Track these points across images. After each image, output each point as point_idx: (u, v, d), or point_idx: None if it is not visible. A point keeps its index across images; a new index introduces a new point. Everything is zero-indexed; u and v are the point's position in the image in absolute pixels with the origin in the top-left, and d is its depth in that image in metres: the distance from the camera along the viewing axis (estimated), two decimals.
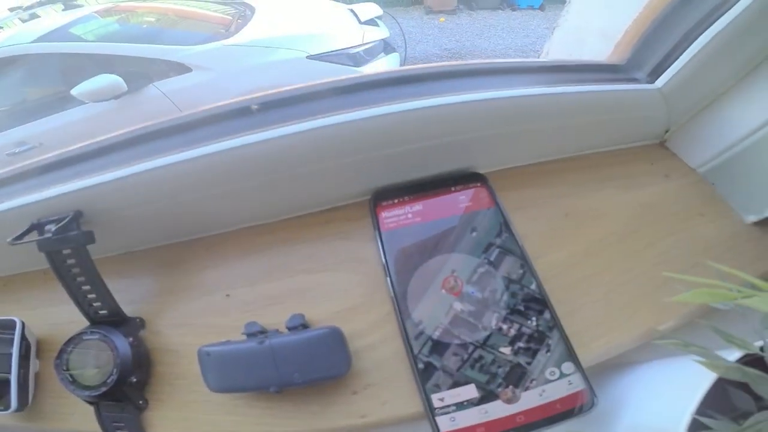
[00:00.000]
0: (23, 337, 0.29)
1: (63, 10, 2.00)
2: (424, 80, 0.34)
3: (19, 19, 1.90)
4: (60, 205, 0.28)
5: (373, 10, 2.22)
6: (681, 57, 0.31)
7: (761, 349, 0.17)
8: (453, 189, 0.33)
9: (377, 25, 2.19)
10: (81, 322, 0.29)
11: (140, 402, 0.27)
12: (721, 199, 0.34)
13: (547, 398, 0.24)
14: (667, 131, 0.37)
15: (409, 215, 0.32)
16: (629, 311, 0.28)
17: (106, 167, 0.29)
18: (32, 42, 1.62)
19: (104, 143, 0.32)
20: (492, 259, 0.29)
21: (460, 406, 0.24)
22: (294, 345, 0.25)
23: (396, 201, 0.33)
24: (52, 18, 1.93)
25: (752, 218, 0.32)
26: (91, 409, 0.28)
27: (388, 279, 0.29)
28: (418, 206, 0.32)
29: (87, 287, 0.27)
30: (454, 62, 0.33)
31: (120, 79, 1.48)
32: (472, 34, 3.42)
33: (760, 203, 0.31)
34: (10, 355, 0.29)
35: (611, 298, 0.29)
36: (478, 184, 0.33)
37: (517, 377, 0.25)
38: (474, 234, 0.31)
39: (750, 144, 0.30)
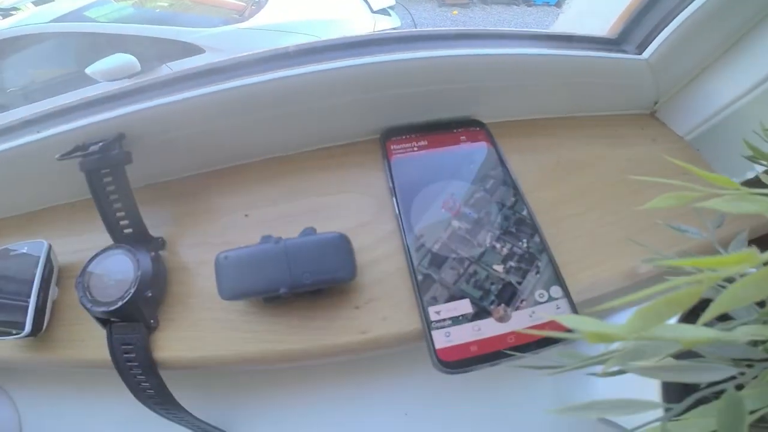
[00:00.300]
0: (48, 260, 0.30)
1: None
2: (436, 38, 0.37)
3: (32, 2, 1.93)
4: (103, 130, 0.30)
5: (385, 0, 2.22)
6: (665, 30, 0.34)
7: None
8: (455, 131, 0.36)
9: (389, 14, 2.20)
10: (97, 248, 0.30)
11: (151, 321, 0.28)
12: (705, 163, 0.36)
13: (537, 320, 0.25)
14: (656, 102, 0.40)
15: (415, 148, 0.35)
16: (614, 249, 0.30)
17: (147, 99, 0.31)
18: (48, 22, 1.65)
19: (146, 83, 0.34)
20: (487, 187, 0.32)
21: (455, 320, 0.25)
22: (305, 245, 0.26)
23: (404, 137, 0.36)
24: (66, 1, 1.97)
25: (734, 180, 0.32)
26: (102, 337, 0.28)
27: (394, 199, 0.31)
28: (423, 141, 0.35)
29: (118, 205, 0.29)
30: (464, 28, 0.36)
31: (134, 59, 1.50)
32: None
33: (741, 166, 0.32)
34: (33, 275, 0.29)
35: (597, 234, 0.31)
36: (478, 129, 0.36)
37: (509, 295, 0.26)
38: (472, 166, 0.33)
39: (732, 112, 0.33)
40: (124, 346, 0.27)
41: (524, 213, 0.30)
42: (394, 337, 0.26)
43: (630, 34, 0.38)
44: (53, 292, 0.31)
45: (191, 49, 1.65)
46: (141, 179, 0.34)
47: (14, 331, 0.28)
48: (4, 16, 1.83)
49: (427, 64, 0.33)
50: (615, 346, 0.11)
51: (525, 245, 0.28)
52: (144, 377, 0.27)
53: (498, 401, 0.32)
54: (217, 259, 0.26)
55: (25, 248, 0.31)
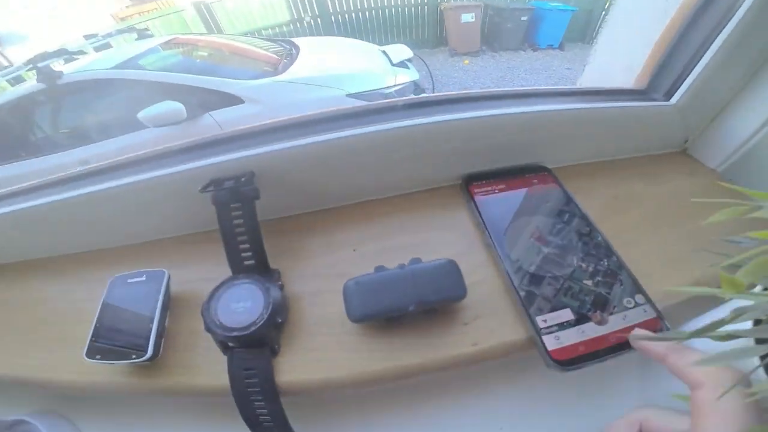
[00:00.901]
0: (167, 289, 0.32)
1: (136, 39, 2.25)
2: (500, 98, 0.42)
3: (93, 48, 2.12)
4: (236, 167, 0.34)
5: (404, 53, 2.38)
6: (689, 77, 0.39)
7: None
8: (526, 175, 0.41)
9: (407, 67, 2.34)
10: (212, 279, 0.32)
11: (276, 346, 0.29)
12: (737, 192, 0.37)
13: (630, 322, 0.29)
14: (686, 141, 0.45)
15: (495, 190, 0.40)
16: (678, 265, 0.33)
17: (272, 142, 0.35)
18: (110, 69, 1.80)
19: (269, 126, 0.38)
20: (564, 219, 0.37)
21: (561, 326, 0.28)
22: (425, 269, 0.30)
23: (483, 181, 0.40)
24: (123, 48, 2.15)
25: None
26: (217, 363, 0.29)
27: (486, 232, 0.35)
28: (501, 185, 0.40)
29: (243, 238, 0.31)
30: (515, 88, 0.42)
31: (182, 106, 1.63)
32: (496, 76, 3.59)
33: None
34: (155, 301, 0.31)
35: (660, 253, 0.34)
36: (545, 173, 0.41)
37: (602, 303, 0.30)
38: (547, 203, 0.38)
39: (758, 141, 0.37)
40: (246, 371, 0.28)
41: (599, 239, 0.34)
42: (504, 346, 0.29)
43: (657, 84, 0.43)
44: (167, 320, 0.33)
45: (231, 99, 1.77)
46: (265, 214, 0.38)
47: (134, 355, 0.29)
48: (67, 61, 1.99)
49: (498, 120, 0.38)
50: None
51: (606, 264, 0.32)
52: (263, 403, 0.28)
53: (588, 406, 0.35)
54: (347, 284, 0.29)
55: (144, 277, 0.33)
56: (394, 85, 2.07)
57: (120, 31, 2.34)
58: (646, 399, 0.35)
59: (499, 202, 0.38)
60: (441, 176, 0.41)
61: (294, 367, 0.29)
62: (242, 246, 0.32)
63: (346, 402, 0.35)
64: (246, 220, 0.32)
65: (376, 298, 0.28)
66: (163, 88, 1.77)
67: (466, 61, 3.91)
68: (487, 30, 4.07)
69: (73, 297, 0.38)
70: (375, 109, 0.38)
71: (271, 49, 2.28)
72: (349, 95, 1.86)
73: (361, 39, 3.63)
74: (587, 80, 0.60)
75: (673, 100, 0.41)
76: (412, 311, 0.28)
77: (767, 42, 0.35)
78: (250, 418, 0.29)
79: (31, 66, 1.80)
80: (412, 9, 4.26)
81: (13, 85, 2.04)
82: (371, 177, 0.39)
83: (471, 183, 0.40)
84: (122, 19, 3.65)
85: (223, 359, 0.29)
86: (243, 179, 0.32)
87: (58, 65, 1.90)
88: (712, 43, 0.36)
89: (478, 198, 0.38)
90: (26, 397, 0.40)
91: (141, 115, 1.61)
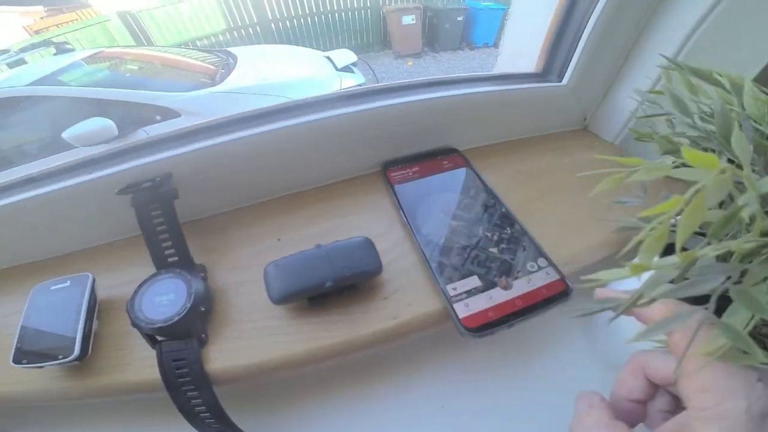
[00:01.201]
0: (92, 291, 0.33)
1: (55, 53, 2.07)
2: (413, 87, 0.45)
3: (6, 65, 1.94)
4: (153, 171, 0.35)
5: (348, 57, 2.41)
6: (573, 58, 0.43)
7: None
8: (438, 158, 0.45)
9: (352, 71, 2.36)
10: (140, 281, 0.33)
11: (203, 335, 0.31)
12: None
13: (534, 285, 0.31)
14: (585, 118, 0.50)
15: (410, 173, 0.43)
16: (579, 229, 0.37)
17: (186, 144, 0.36)
18: (25, 86, 1.66)
19: (185, 130, 0.39)
20: (471, 195, 0.40)
21: (470, 293, 0.31)
22: (341, 247, 0.32)
23: (400, 166, 0.44)
24: (40, 64, 1.98)
25: None
26: (148, 358, 0.30)
27: (401, 212, 0.38)
28: (415, 168, 0.44)
29: (165, 236, 0.32)
30: (428, 77, 0.45)
31: (112, 123, 1.53)
32: (438, 76, 3.74)
33: (657, 156, 0.42)
34: (80, 305, 0.31)
35: (563, 220, 0.38)
36: (455, 155, 0.45)
37: (507, 269, 0.32)
38: (457, 182, 0.42)
39: (643, 112, 0.41)
40: (175, 362, 0.29)
41: (503, 210, 0.38)
42: (422, 317, 0.31)
43: (550, 67, 0.47)
44: (95, 323, 0.33)
45: (167, 113, 1.70)
46: (182, 216, 0.38)
47: (61, 356, 0.29)
48: None
49: (411, 107, 0.41)
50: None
51: (509, 232, 0.36)
52: (197, 393, 0.29)
53: (529, 377, 0.38)
54: (267, 268, 0.31)
55: (68, 282, 0.33)
56: (340, 90, 2.09)
57: (34, 46, 2.15)
58: (580, 357, 0.38)
59: (414, 184, 0.41)
60: (361, 165, 0.44)
61: (223, 355, 0.30)
62: (164, 244, 0.33)
63: (285, 388, 0.37)
64: (166, 219, 0.33)
65: (295, 277, 0.30)
66: (90, 105, 1.67)
67: (410, 63, 4.04)
68: (427, 31, 4.23)
69: (4, 311, 0.36)
70: (292, 105, 0.40)
71: (206, 60, 2.20)
72: (308, 97, 1.86)
73: (305, 46, 3.62)
74: (500, 70, 0.62)
75: (565, 80, 0.45)
76: (330, 287, 0.30)
77: (636, 18, 0.39)
78: (185, 409, 0.29)
79: None
80: (356, 13, 4.31)
81: None
82: (292, 171, 0.41)
83: (388, 168, 0.43)
84: (37, 32, 3.34)
85: (153, 354, 0.30)
86: (159, 180, 0.33)
87: None
88: (587, 23, 0.40)
89: (394, 182, 0.42)
90: None
91: (66, 134, 1.50)
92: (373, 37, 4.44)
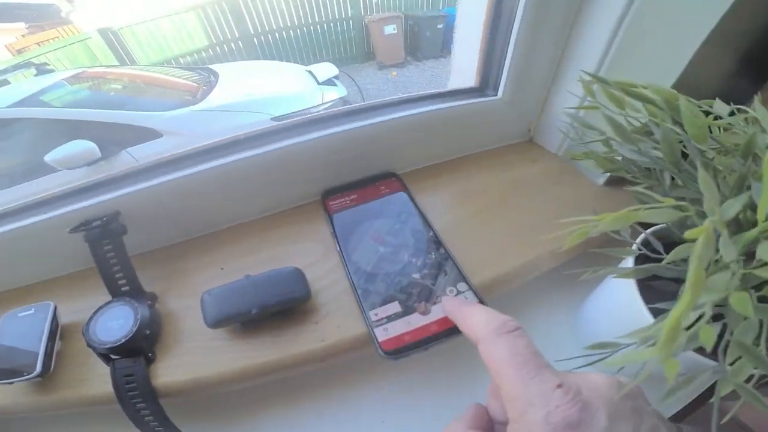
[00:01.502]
0: (54, 316, 0.37)
1: (35, 75, 2.10)
2: (353, 113, 0.47)
3: None
4: (104, 209, 0.39)
5: (330, 70, 2.45)
6: (504, 70, 0.44)
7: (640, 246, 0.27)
8: (376, 183, 0.47)
9: (335, 84, 2.39)
10: (95, 307, 0.37)
11: (150, 354, 0.35)
12: (576, 171, 0.46)
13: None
14: (529, 129, 0.51)
15: (348, 201, 0.45)
16: (507, 251, 0.39)
17: (133, 183, 0.41)
18: (7, 107, 1.69)
19: (133, 169, 0.43)
20: (402, 219, 0.42)
21: (390, 318, 0.33)
22: (268, 277, 0.36)
23: (339, 194, 0.46)
24: (21, 85, 2.01)
25: (600, 181, 0.44)
26: (104, 374, 0.34)
27: (335, 240, 0.41)
28: (353, 195, 0.46)
29: (117, 268, 0.37)
30: (370, 102, 0.46)
31: (94, 145, 1.57)
32: (421, 84, 3.81)
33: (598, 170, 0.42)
34: (42, 328, 0.36)
35: (492, 241, 0.40)
36: (393, 179, 0.47)
37: (427, 294, 0.35)
38: (391, 207, 0.44)
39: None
40: (126, 377, 0.34)
41: (431, 234, 0.40)
42: (347, 340, 0.34)
43: (486, 81, 0.48)
44: (57, 344, 0.37)
45: (149, 134, 1.73)
46: (132, 248, 0.42)
47: (25, 372, 0.34)
48: None
49: (346, 135, 0.43)
50: None
51: (434, 257, 0.38)
52: (144, 404, 0.34)
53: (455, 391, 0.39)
54: (203, 296, 0.35)
55: (33, 310, 0.38)
56: (322, 104, 2.14)
57: (16, 67, 2.18)
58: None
59: (350, 212, 0.44)
60: (302, 194, 0.47)
61: (168, 371, 0.35)
62: (117, 275, 0.38)
63: (223, 403, 0.41)
64: (116, 253, 0.37)
65: (225, 305, 0.34)
66: (72, 127, 1.70)
67: (394, 73, 4.10)
68: (409, 40, 4.30)
69: None
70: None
71: (189, 78, 2.25)
72: (274, 118, 1.88)
73: (288, 60, 3.66)
74: (453, 85, 0.62)
75: (499, 93, 0.46)
76: (256, 313, 0.34)
77: (556, 28, 0.39)
78: (135, 419, 0.34)
79: None
80: (338, 24, 4.33)
81: None
82: (235, 204, 0.45)
83: (326, 197, 0.46)
84: (19, 51, 3.35)
85: (108, 371, 0.35)
86: (105, 219, 0.38)
87: None
88: (510, 36, 0.40)
89: (332, 210, 0.45)
90: None
91: (48, 157, 1.53)
92: (356, 49, 4.49)
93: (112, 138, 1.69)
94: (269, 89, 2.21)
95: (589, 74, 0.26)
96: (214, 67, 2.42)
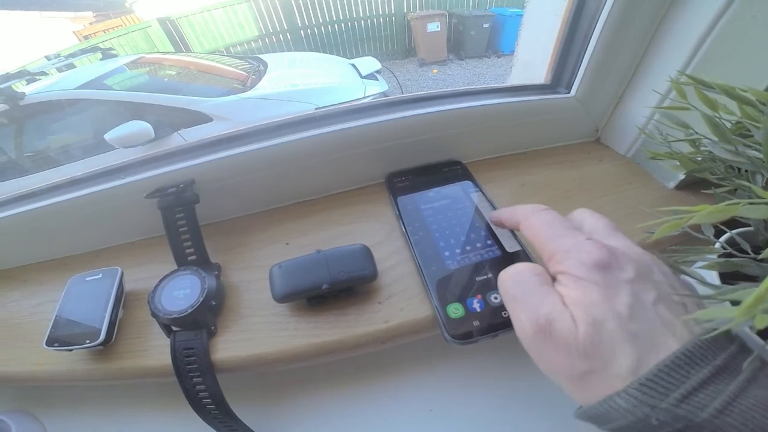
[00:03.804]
0: (120, 283, 0.37)
1: (101, 59, 2.25)
2: (420, 100, 0.46)
3: (56, 68, 2.11)
4: (178, 177, 0.39)
5: (373, 65, 2.45)
6: (580, 68, 0.43)
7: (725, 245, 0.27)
8: (442, 170, 0.46)
9: (377, 79, 2.40)
10: (161, 276, 0.36)
11: (212, 327, 0.34)
12: (645, 173, 0.44)
13: None
14: (597, 130, 0.49)
15: (412, 185, 0.44)
16: None
17: (208, 154, 0.40)
18: (74, 89, 1.81)
19: (208, 140, 0.43)
20: (468, 207, 0.41)
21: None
22: (339, 253, 0.34)
23: (403, 178, 0.45)
24: (87, 69, 2.14)
25: (672, 184, 0.42)
26: (163, 346, 0.33)
27: (401, 222, 0.40)
28: (418, 179, 0.45)
29: (186, 236, 0.36)
30: (441, 90, 0.45)
31: (149, 126, 1.64)
32: (463, 83, 3.73)
33: (672, 172, 0.40)
34: (108, 296, 0.36)
35: None
36: (458, 167, 0.46)
37: (487, 286, 0.32)
38: (457, 194, 0.42)
39: (654, 125, 0.40)
40: (185, 350, 0.33)
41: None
42: (412, 323, 0.32)
43: (559, 78, 0.47)
44: (120, 312, 0.37)
45: (200, 118, 1.80)
46: (202, 219, 0.42)
47: (88, 340, 0.33)
48: (30, 82, 1.97)
49: (415, 121, 0.42)
50: None
51: (503, 246, 0.36)
52: (201, 379, 0.32)
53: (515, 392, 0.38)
54: (272, 269, 0.34)
55: (100, 274, 0.38)
56: (364, 97, 2.13)
57: (84, 51, 2.33)
58: None
59: (414, 195, 0.43)
60: (367, 176, 0.46)
61: (228, 346, 0.33)
62: (185, 244, 0.37)
63: (286, 382, 0.40)
64: (188, 221, 0.37)
65: (295, 279, 0.33)
66: (130, 108, 1.79)
67: (435, 71, 4.05)
68: (452, 38, 4.23)
69: (35, 301, 0.42)
70: (303, 119, 0.43)
71: (239, 66, 2.32)
72: (318, 109, 1.92)
73: (332, 53, 3.71)
74: (515, 80, 0.62)
75: (573, 91, 0.45)
76: (326, 289, 0.32)
77: (642, 31, 0.38)
78: (190, 395, 0.32)
79: None
80: (381, 20, 4.36)
81: None
82: (303, 180, 0.44)
83: (392, 180, 0.45)
84: (86, 37, 3.62)
85: (167, 343, 0.33)
86: (182, 186, 0.37)
87: (20, 86, 1.88)
88: (593, 32, 0.40)
89: (396, 193, 0.43)
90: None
91: (108, 136, 1.62)
92: (397, 45, 4.49)
93: (166, 120, 1.77)
94: (315, 80, 2.23)
95: (687, 76, 0.26)
96: (263, 56, 2.47)
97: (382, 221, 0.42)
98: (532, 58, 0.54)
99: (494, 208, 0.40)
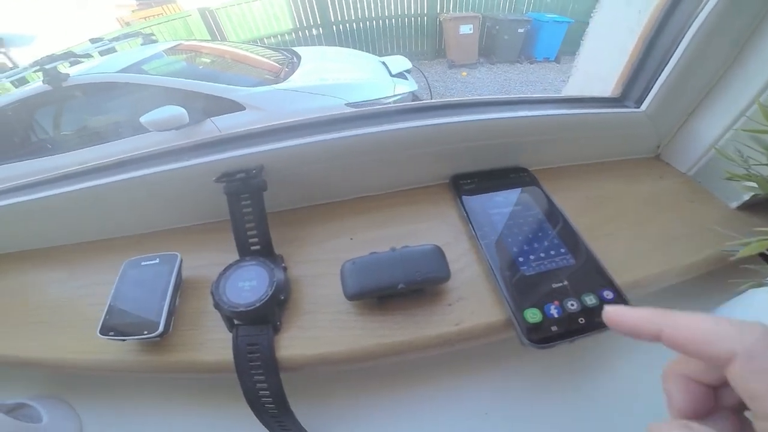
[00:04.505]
0: (179, 271, 0.35)
1: (141, 44, 2.29)
2: (488, 104, 0.45)
3: (99, 52, 2.17)
4: (246, 162, 0.37)
5: (403, 64, 2.42)
6: (655, 85, 0.43)
7: None
8: (508, 175, 0.45)
9: (406, 78, 2.37)
10: (220, 264, 0.35)
11: (278, 323, 0.32)
12: (707, 192, 0.44)
13: (597, 305, 0.31)
14: (659, 146, 0.49)
15: (479, 188, 0.43)
16: (645, 258, 0.36)
17: (277, 141, 0.39)
18: (116, 72, 1.84)
19: (276, 127, 0.41)
20: (537, 213, 0.40)
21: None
22: (414, 252, 0.33)
23: (469, 180, 0.44)
24: (128, 53, 2.19)
25: (734, 204, 0.41)
26: (221, 339, 0.32)
27: (469, 224, 0.39)
28: (484, 184, 0.44)
29: (251, 225, 0.34)
30: (500, 96, 0.45)
31: (184, 111, 1.66)
32: (493, 87, 3.65)
33: (737, 192, 0.40)
34: (167, 284, 0.34)
35: (630, 247, 0.37)
36: (524, 174, 0.46)
37: (572, 287, 0.32)
38: (525, 200, 0.42)
39: (722, 145, 0.40)
40: (249, 346, 0.31)
41: (570, 230, 0.38)
42: (483, 326, 0.32)
43: (629, 92, 0.47)
44: (177, 301, 0.35)
45: (233, 106, 1.81)
46: (270, 206, 0.40)
47: (146, 331, 0.31)
48: (73, 63, 2.03)
49: (483, 125, 0.42)
50: None
51: (575, 253, 0.36)
52: (264, 377, 0.31)
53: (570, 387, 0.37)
54: (344, 265, 0.32)
55: (157, 260, 0.36)
56: (393, 96, 2.11)
57: (126, 35, 2.39)
58: (634, 378, 0.36)
59: (482, 198, 0.42)
60: (430, 176, 0.45)
61: (293, 343, 0.31)
62: (249, 232, 0.35)
63: (339, 382, 0.38)
64: (254, 209, 0.35)
65: (370, 276, 0.31)
66: (167, 93, 1.81)
67: (464, 73, 3.99)
68: (484, 42, 4.16)
69: (79, 282, 0.41)
70: (372, 113, 0.42)
71: (272, 58, 2.33)
72: (348, 104, 1.90)
73: (361, 49, 3.71)
74: (571, 91, 0.64)
75: (643, 107, 0.45)
76: (401, 289, 0.31)
77: (725, 53, 0.38)
78: (249, 392, 0.31)
79: (38, 67, 1.83)
80: (412, 19, 4.33)
81: (16, 86, 2.08)
82: (368, 175, 0.43)
83: (458, 182, 0.44)
84: (128, 23, 3.73)
85: (227, 336, 0.32)
86: (253, 171, 0.35)
87: (64, 68, 1.93)
88: (673, 53, 0.40)
89: (463, 195, 0.42)
90: (26, 380, 0.42)
91: (144, 119, 1.64)
92: (427, 45, 4.45)
93: (200, 107, 1.78)
94: (345, 76, 2.22)
95: None
96: (296, 49, 2.48)
97: (447, 222, 0.41)
98: (597, 70, 0.54)
99: (565, 217, 0.39)
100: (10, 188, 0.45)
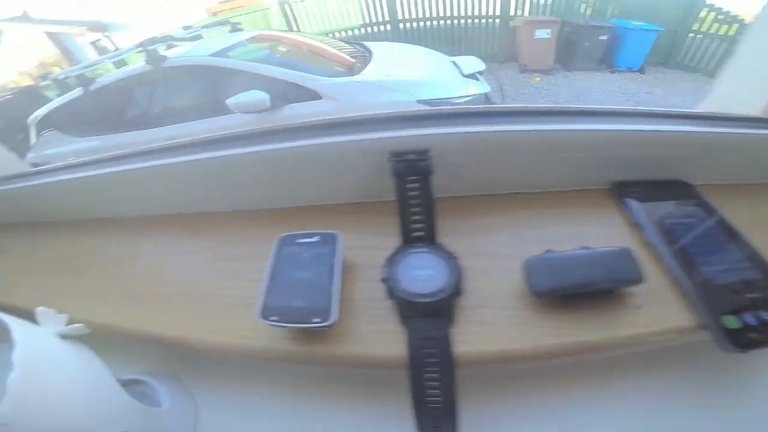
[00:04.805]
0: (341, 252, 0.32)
1: (229, 32, 2.44)
2: (646, 115, 0.41)
3: (189, 38, 2.34)
4: (412, 144, 0.35)
5: (476, 65, 2.35)
6: None
7: None
8: (671, 187, 0.42)
9: (477, 79, 2.30)
10: (378, 248, 0.33)
11: (453, 317, 0.30)
12: None
13: None
14: None
15: (645, 197, 0.40)
16: None
17: (446, 125, 0.37)
18: (208, 56, 1.96)
19: (443, 111, 0.39)
20: (713, 226, 0.38)
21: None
22: (609, 253, 0.31)
23: (631, 189, 0.41)
24: (215, 40, 2.33)
25: None
26: (389, 331, 0.29)
27: (645, 232, 0.37)
28: (650, 192, 0.41)
29: (416, 209, 0.33)
30: (671, 109, 0.42)
31: (268, 96, 1.73)
32: (568, 96, 3.44)
33: None
34: (332, 266, 0.30)
35: None
36: (688, 188, 0.42)
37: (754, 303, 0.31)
38: (696, 212, 0.39)
39: None
40: (425, 341, 0.28)
41: (745, 245, 0.35)
42: (674, 329, 0.30)
43: None
44: None
45: (311, 95, 1.86)
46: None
47: (317, 319, 0.27)
48: (169, 47, 2.20)
49: (645, 136, 0.39)
50: None
51: (758, 267, 0.33)
52: (437, 375, 0.28)
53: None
54: (529, 261, 0.31)
55: (317, 238, 0.33)
56: (465, 96, 2.06)
57: (217, 23, 2.55)
58: None
59: (652, 208, 0.40)
60: (589, 180, 0.42)
61: (468, 339, 0.29)
62: (414, 217, 0.33)
63: (507, 379, 0.36)
64: (422, 193, 0.33)
65: (563, 274, 0.30)
66: (250, 78, 1.90)
67: (537, 79, 3.79)
68: (561, 47, 3.92)
69: (237, 253, 0.40)
70: (537, 110, 0.39)
71: (346, 51, 2.36)
72: (420, 101, 1.88)
73: (428, 48, 3.67)
74: (710, 108, 0.61)
75: None
76: (595, 288, 0.30)
77: None
78: (418, 390, 0.28)
79: (141, 49, 2.00)
80: (483, 21, 4.22)
81: (117, 68, 2.30)
82: (529, 171, 0.40)
83: (621, 189, 0.41)
84: (214, 14, 4.03)
85: (396, 329, 0.30)
86: (424, 153, 0.33)
87: (162, 50, 2.10)
88: None
89: (632, 203, 0.40)
90: (140, 357, 0.40)
91: (230, 101, 1.74)
92: (497, 47, 4.30)
93: (281, 93, 1.85)
94: (416, 72, 2.20)
95: None
96: (367, 44, 2.50)
97: (613, 228, 0.39)
98: (743, 90, 0.54)
99: (738, 232, 0.37)
100: (149, 150, 0.44)
